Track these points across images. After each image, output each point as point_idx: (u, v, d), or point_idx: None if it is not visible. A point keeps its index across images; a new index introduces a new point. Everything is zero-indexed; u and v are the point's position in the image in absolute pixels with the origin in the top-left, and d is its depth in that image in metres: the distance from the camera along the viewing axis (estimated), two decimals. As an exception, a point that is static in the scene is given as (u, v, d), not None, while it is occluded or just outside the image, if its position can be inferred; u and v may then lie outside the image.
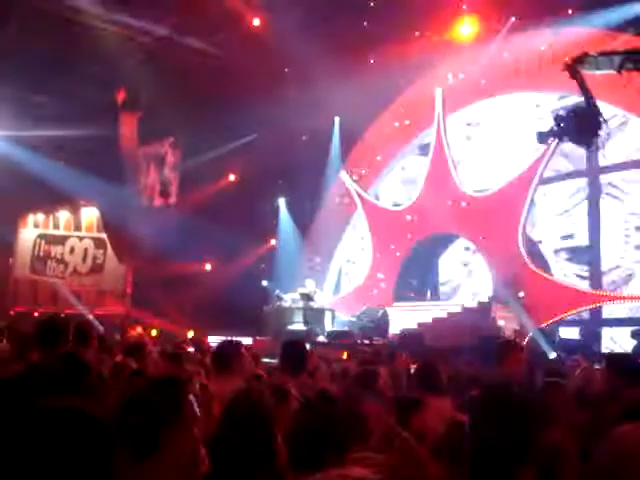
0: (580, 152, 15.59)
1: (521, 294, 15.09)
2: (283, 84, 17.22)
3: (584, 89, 9.43)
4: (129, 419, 2.22)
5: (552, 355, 12.52)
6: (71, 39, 15.91)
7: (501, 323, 14.76)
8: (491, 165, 17.33)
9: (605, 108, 14.76)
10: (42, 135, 18.44)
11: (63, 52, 16.14)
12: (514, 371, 4.93)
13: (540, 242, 16.66)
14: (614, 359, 5.88)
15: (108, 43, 16.03)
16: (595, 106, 9.29)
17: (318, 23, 15.71)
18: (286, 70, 17.38)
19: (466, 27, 16.50)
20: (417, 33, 16.80)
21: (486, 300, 15.52)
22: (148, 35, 16.94)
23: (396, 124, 18.89)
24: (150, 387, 2.46)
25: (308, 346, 5.91)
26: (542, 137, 10.24)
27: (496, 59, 16.60)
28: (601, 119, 9.16)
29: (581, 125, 9.27)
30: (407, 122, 18.78)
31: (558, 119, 9.57)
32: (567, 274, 16.17)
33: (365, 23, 16.51)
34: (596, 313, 15.21)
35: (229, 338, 5.62)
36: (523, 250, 15.78)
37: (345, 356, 11.02)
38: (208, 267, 20.07)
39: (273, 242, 20.33)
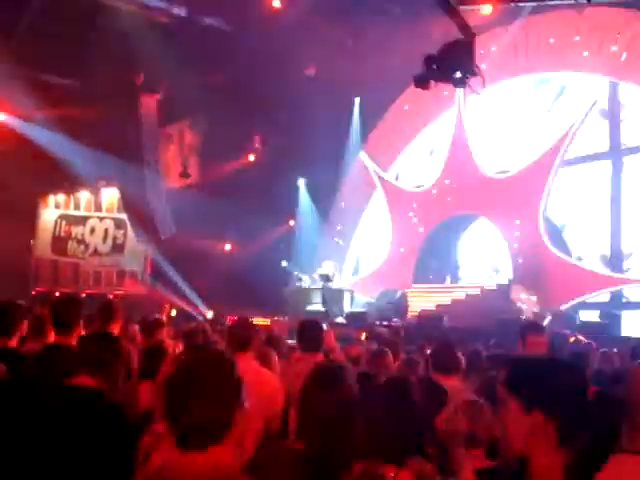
0: (603, 133, 15.54)
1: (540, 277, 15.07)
2: (302, 64, 17.16)
3: (460, 25, 9.23)
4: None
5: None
6: (90, 19, 15.95)
7: (520, 305, 14.72)
8: (512, 146, 17.20)
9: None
10: (62, 116, 18.47)
11: (82, 32, 16.17)
12: (536, 352, 4.87)
13: (563, 225, 16.50)
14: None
15: (127, 23, 16.03)
16: (468, 44, 9.04)
17: (337, 3, 15.67)
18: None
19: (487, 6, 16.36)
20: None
21: (505, 282, 15.49)
22: (167, 15, 16.93)
23: (416, 105, 18.81)
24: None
25: (325, 326, 5.92)
26: (419, 80, 10.03)
27: (518, 39, 16.50)
28: (473, 58, 8.93)
29: (452, 64, 9.04)
30: (427, 102, 18.69)
31: (430, 60, 9.35)
32: (587, 257, 16.03)
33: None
34: (616, 296, 15.10)
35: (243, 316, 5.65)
36: (543, 232, 15.70)
37: (363, 337, 10.99)
38: (228, 247, 20.12)
39: (292, 223, 20.36)
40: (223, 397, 2.16)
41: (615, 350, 7.68)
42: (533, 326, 5.63)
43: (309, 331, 5.55)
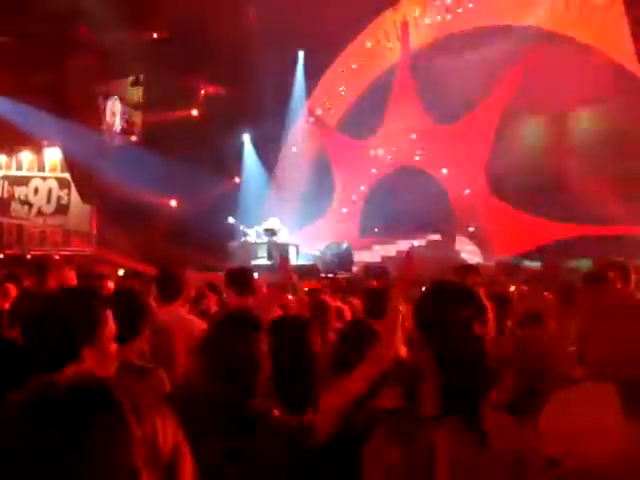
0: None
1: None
2: (247, 17, 16.97)
3: None
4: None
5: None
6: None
7: (464, 255, 14.90)
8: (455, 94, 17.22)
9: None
10: (1, 75, 18.07)
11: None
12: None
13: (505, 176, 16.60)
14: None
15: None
16: None
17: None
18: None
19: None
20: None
21: (449, 233, 15.64)
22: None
23: (361, 56, 18.79)
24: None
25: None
26: None
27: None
28: None
29: None
30: (373, 53, 18.69)
31: None
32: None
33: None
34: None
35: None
36: (488, 182, 15.86)
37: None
38: (173, 203, 19.97)
39: (237, 180, 20.27)
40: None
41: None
42: (465, 268, 5.72)
43: (237, 275, 5.65)
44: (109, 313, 2.39)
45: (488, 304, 2.17)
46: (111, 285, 6.58)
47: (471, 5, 16.72)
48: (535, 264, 14.40)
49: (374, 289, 5.61)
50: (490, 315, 2.15)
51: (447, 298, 2.18)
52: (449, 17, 17.10)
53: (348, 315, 5.66)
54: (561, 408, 2.08)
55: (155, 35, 18.50)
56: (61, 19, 16.71)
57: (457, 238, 15.68)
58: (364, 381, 2.58)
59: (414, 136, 17.30)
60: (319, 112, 19.63)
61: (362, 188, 18.39)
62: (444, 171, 16.70)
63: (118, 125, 20.47)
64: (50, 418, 0.93)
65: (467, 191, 16.17)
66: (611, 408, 1.92)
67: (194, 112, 20.22)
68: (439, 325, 2.12)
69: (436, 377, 2.09)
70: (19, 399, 0.96)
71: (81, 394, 0.96)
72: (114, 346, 2.40)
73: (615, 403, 1.92)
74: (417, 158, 17.29)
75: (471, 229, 15.94)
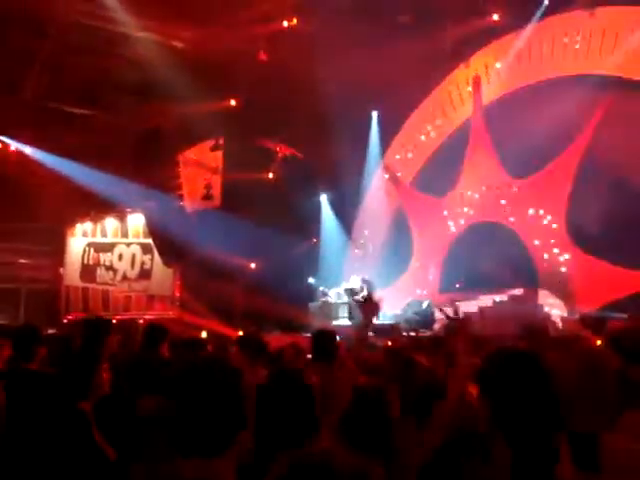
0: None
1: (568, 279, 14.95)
2: (321, 81, 17.26)
3: None
4: None
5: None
6: (107, 48, 16.20)
7: (548, 310, 14.64)
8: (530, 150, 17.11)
9: None
10: (85, 145, 18.70)
11: (100, 62, 16.43)
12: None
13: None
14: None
15: (142, 50, 16.24)
16: None
17: (352, 19, 15.79)
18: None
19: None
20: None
21: (532, 287, 15.40)
22: (180, 39, 17.15)
23: (434, 115, 18.91)
24: None
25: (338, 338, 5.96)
26: None
27: (530, 45, 16.55)
28: None
29: None
30: (446, 111, 18.77)
31: None
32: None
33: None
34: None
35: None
36: (570, 234, 15.61)
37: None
38: (253, 266, 20.19)
39: (316, 240, 20.41)
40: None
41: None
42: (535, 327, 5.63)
43: (322, 341, 5.60)
44: None
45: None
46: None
47: (543, 54, 16.66)
48: (621, 316, 14.02)
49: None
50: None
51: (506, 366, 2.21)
52: (521, 69, 17.07)
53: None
54: None
55: (233, 102, 18.93)
56: (138, 89, 17.26)
57: (540, 292, 15.40)
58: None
59: (491, 191, 17.19)
60: (396, 172, 19.72)
61: (441, 245, 18.31)
62: (523, 225, 16.49)
63: (198, 190, 20.89)
64: None
65: (548, 242, 15.93)
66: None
67: (271, 175, 20.55)
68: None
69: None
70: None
71: None
72: None
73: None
74: (495, 213, 17.16)
75: (554, 282, 15.67)
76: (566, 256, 15.47)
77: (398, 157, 19.84)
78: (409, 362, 5.21)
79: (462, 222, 17.89)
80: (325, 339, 5.61)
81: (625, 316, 13.65)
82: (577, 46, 15.94)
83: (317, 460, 1.55)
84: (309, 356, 7.76)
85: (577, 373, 3.78)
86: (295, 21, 16.73)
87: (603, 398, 3.71)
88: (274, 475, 1.63)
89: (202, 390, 2.20)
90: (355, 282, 17.06)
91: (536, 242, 16.29)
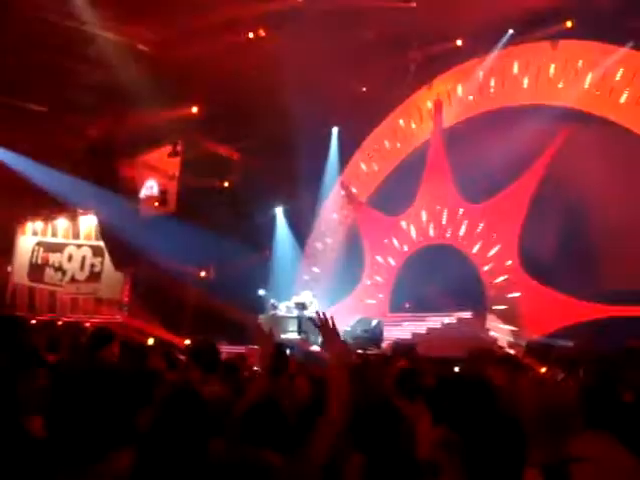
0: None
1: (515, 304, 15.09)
2: (282, 93, 17.27)
3: None
4: None
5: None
6: (68, 47, 16.01)
7: (495, 334, 14.77)
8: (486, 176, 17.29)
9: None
10: (40, 143, 18.46)
11: (61, 59, 16.23)
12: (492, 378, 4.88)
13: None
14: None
15: (106, 50, 16.08)
16: None
17: (319, 35, 15.82)
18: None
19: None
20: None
21: (480, 311, 15.53)
22: (145, 42, 17.02)
23: (394, 134, 19.04)
24: None
25: (288, 351, 5.92)
26: None
27: (492, 72, 16.78)
28: None
29: None
30: (406, 131, 18.91)
31: None
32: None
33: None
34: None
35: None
36: (519, 260, 15.77)
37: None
38: (203, 274, 20.07)
39: (269, 251, 20.37)
40: None
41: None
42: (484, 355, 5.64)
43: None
44: None
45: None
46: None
47: (504, 85, 16.88)
48: (566, 344, 14.19)
49: (405, 369, 5.57)
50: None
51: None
52: (482, 96, 17.27)
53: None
54: None
55: (194, 109, 18.83)
56: (98, 90, 17.08)
57: (488, 316, 15.54)
58: None
59: (445, 213, 17.35)
60: (352, 189, 19.79)
61: (393, 264, 18.40)
62: (475, 249, 16.66)
63: (154, 194, 20.76)
64: None
65: (498, 268, 16.08)
66: None
67: (227, 184, 20.46)
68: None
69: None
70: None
71: None
72: None
73: None
74: (448, 235, 17.32)
75: (502, 307, 15.81)
76: (515, 282, 15.62)
77: (356, 174, 19.90)
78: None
79: (414, 242, 17.99)
80: (277, 352, 5.55)
81: (571, 344, 13.86)
82: (538, 76, 16.17)
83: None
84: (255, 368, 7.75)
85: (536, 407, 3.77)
86: (262, 32, 16.68)
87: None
88: None
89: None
90: (306, 297, 17.06)
91: (486, 267, 16.44)
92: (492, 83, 17.15)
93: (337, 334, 3.67)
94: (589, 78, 15.14)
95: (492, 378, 5.15)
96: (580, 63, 15.40)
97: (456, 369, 8.48)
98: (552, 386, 5.21)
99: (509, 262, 15.96)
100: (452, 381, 2.41)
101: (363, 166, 19.78)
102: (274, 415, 3.45)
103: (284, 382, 5.39)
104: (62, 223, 23.62)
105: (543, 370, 8.59)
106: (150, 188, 20.95)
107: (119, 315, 21.10)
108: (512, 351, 12.34)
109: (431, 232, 17.70)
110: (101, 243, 22.09)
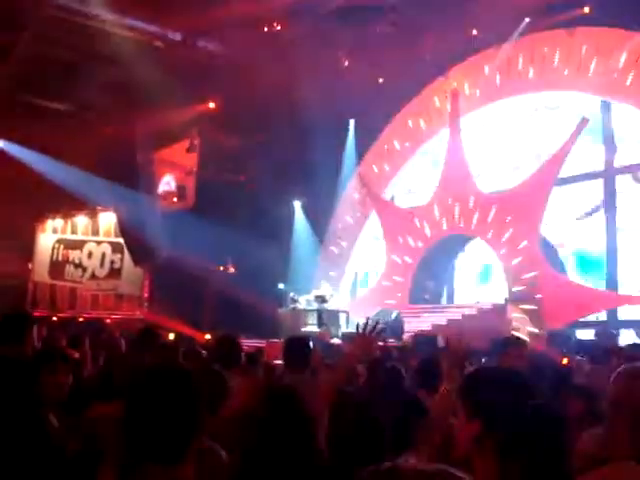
0: (597, 152, 15.51)
1: (538, 296, 15.03)
2: (299, 85, 17.24)
3: None
4: None
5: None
6: (88, 45, 16.07)
7: (516, 325, 14.69)
8: (502, 167, 17.23)
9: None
10: (59, 141, 18.52)
11: (79, 58, 16.30)
12: (516, 365, 4.84)
13: (559, 245, 16.33)
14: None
15: (123, 49, 16.11)
16: None
17: (334, 26, 15.81)
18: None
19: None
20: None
21: (502, 302, 15.45)
22: (161, 39, 17.07)
23: (411, 125, 18.94)
24: None
25: (311, 344, 5.87)
26: None
27: (509, 62, 16.68)
28: None
29: None
30: (422, 123, 18.81)
31: None
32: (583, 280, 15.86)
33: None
34: (612, 315, 14.98)
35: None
36: (540, 251, 15.65)
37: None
38: (223, 269, 20.09)
39: (288, 247, 20.36)
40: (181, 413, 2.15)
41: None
42: (514, 340, 5.61)
43: (295, 348, 5.51)
44: None
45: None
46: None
47: (520, 71, 16.75)
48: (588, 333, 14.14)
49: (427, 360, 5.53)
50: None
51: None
52: (499, 84, 17.15)
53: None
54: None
55: (211, 104, 18.86)
56: (115, 87, 17.12)
57: (509, 307, 15.46)
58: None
59: (464, 203, 17.24)
60: (371, 181, 19.74)
61: (412, 256, 18.32)
62: (503, 239, 16.53)
63: (171, 190, 20.82)
64: None
65: (519, 259, 15.97)
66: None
67: (245, 178, 20.47)
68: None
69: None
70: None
71: None
72: None
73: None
74: (468, 225, 17.21)
75: (522, 295, 15.73)
76: (536, 272, 15.50)
77: (374, 166, 19.83)
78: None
79: (434, 234, 17.90)
80: (299, 345, 5.53)
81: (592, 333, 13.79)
82: (555, 65, 16.02)
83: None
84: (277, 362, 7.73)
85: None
86: (277, 26, 16.67)
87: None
88: None
89: (150, 395, 2.15)
90: (326, 290, 17.05)
91: (508, 258, 16.33)
92: (509, 72, 16.99)
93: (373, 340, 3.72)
94: (606, 65, 14.94)
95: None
96: (597, 50, 15.20)
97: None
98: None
99: (529, 253, 15.81)
100: (486, 373, 2.35)
101: (381, 159, 19.71)
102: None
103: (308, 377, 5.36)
104: (82, 220, 23.73)
105: (565, 361, 8.55)
106: (167, 184, 21.02)
107: (139, 311, 21.20)
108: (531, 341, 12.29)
109: (449, 223, 17.59)
110: (120, 240, 22.17)
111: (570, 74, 15.71)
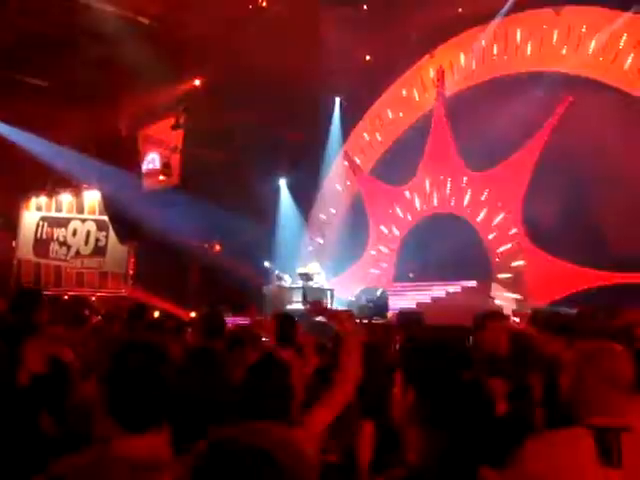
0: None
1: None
2: (285, 63, 17.19)
3: None
4: None
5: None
6: (70, 20, 15.92)
7: (500, 302, 14.79)
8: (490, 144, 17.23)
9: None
10: (44, 118, 18.41)
11: (62, 33, 16.16)
12: (495, 338, 4.85)
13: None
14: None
15: (107, 24, 15.98)
16: None
17: (320, 4, 15.77)
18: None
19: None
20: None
21: (486, 279, 15.55)
22: (146, 15, 16.94)
23: (397, 103, 18.97)
24: None
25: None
26: None
27: (495, 40, 16.68)
28: None
29: None
30: (409, 100, 18.84)
31: None
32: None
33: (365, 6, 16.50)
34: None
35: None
36: (525, 229, 15.75)
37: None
38: (207, 246, 20.10)
39: (273, 223, 20.37)
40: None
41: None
42: (492, 314, 5.58)
43: (281, 325, 5.59)
44: None
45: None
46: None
47: (507, 50, 16.76)
48: (569, 312, 14.17)
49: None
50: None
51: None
52: (484, 64, 17.16)
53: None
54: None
55: (197, 82, 18.78)
56: (100, 64, 16.99)
57: (493, 285, 15.56)
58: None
59: (449, 182, 17.31)
60: (355, 159, 19.76)
61: (397, 233, 18.40)
62: (479, 217, 16.64)
63: (156, 168, 20.73)
64: None
65: (503, 236, 16.07)
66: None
67: (231, 156, 20.39)
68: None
69: None
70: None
71: None
72: None
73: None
74: (452, 204, 17.30)
75: (507, 275, 15.84)
76: (520, 251, 15.61)
77: (359, 144, 19.84)
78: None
79: (419, 211, 17.98)
80: (287, 322, 5.61)
81: (574, 312, 13.85)
82: (542, 43, 16.04)
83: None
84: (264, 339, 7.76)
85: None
86: (263, 3, 16.59)
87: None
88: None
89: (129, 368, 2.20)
90: (314, 268, 17.05)
91: (490, 236, 16.43)
92: (495, 51, 17.02)
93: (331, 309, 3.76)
94: (593, 44, 15.00)
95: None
96: (584, 29, 15.24)
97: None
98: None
99: (514, 230, 15.93)
100: (422, 344, 2.40)
101: (366, 136, 19.72)
102: None
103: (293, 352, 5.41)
104: (66, 198, 23.64)
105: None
106: (152, 161, 20.92)
107: (124, 288, 21.18)
108: (517, 319, 12.38)
109: (435, 201, 17.67)
110: (105, 217, 22.11)
111: (556, 52, 15.75)
